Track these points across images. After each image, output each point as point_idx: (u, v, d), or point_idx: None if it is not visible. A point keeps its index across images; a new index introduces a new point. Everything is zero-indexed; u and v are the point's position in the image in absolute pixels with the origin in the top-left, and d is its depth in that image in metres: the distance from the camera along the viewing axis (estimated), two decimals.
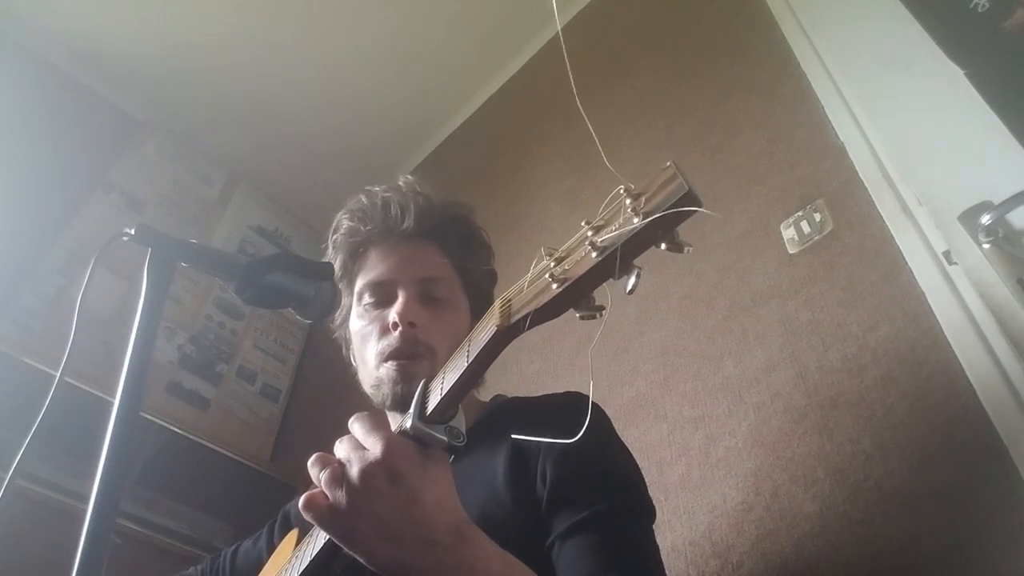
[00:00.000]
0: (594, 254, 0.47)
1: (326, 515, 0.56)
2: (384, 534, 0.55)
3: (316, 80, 2.58)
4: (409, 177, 1.05)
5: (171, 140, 2.64)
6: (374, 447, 0.57)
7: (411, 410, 0.61)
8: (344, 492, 0.55)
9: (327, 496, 0.56)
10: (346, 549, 0.58)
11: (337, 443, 0.60)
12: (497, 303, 0.56)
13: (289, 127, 2.72)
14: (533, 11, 2.38)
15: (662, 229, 0.44)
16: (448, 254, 1.00)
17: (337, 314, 1.05)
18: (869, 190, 1.22)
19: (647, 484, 0.89)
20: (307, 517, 0.58)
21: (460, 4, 2.39)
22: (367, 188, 1.03)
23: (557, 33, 2.40)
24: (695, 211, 0.42)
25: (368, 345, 0.94)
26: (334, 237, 1.03)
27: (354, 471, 0.56)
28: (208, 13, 2.35)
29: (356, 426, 0.60)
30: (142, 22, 2.37)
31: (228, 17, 2.36)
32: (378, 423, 0.60)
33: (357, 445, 0.58)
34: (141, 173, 2.48)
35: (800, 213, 1.31)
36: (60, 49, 2.42)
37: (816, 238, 1.26)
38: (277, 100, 2.64)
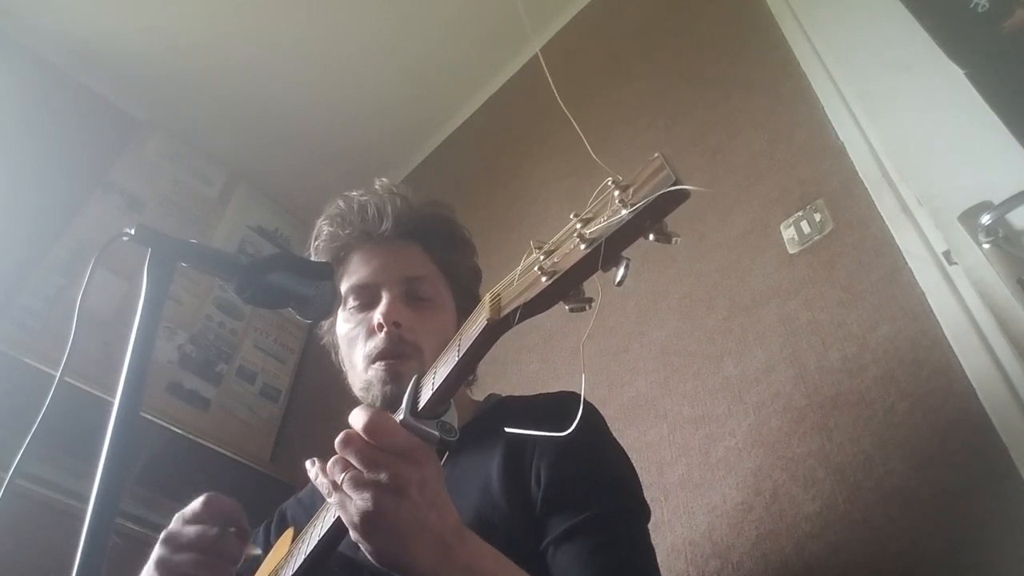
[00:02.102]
0: (582, 246, 0.47)
1: (353, 514, 0.58)
2: (400, 535, 0.58)
3: (316, 80, 2.58)
4: (385, 180, 1.06)
5: (171, 140, 2.64)
6: (405, 446, 0.58)
7: (403, 405, 0.61)
8: (372, 495, 0.57)
9: (351, 496, 0.58)
10: (360, 543, 0.59)
11: (345, 441, 0.60)
12: (487, 297, 0.56)
13: (289, 127, 2.72)
14: (533, 12, 2.38)
15: (650, 220, 0.44)
16: (430, 253, 1.01)
17: (324, 321, 1.06)
18: (869, 190, 1.22)
19: (644, 484, 0.89)
20: (332, 503, 0.60)
21: (460, 5, 2.39)
22: (343, 193, 1.04)
23: (561, 31, 2.40)
24: (682, 200, 0.42)
25: (355, 348, 0.94)
26: (316, 243, 1.04)
27: (386, 475, 0.57)
28: (208, 13, 2.34)
29: (377, 425, 0.59)
30: (142, 22, 2.37)
31: (228, 17, 2.36)
32: (395, 423, 0.60)
33: (391, 447, 0.58)
34: (141, 173, 2.48)
35: (800, 213, 1.31)
36: (60, 49, 2.42)
37: (816, 238, 1.26)
38: (277, 100, 2.63)
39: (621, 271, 0.47)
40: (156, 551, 0.81)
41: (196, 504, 0.83)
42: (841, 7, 1.45)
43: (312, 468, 0.63)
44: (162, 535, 0.82)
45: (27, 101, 2.31)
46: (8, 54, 2.32)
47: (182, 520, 0.82)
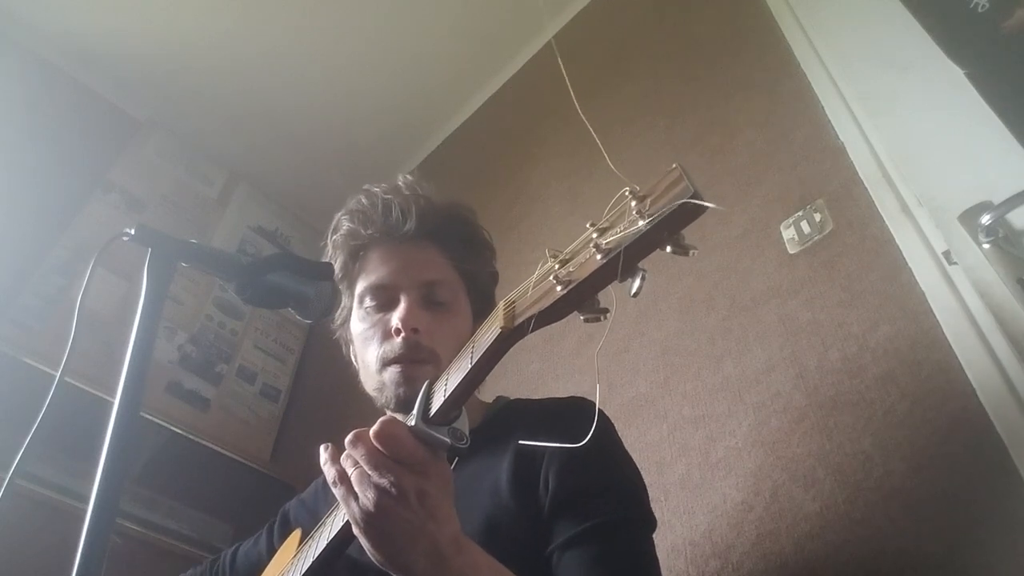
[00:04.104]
0: (599, 256, 0.46)
1: (355, 510, 0.60)
2: (398, 539, 0.59)
3: (317, 79, 2.58)
4: (409, 177, 1.03)
5: (171, 140, 2.64)
6: (411, 456, 0.59)
7: (414, 411, 0.61)
8: (375, 495, 0.58)
9: (355, 492, 0.60)
10: (359, 538, 0.61)
11: (355, 441, 0.60)
12: (501, 305, 0.56)
13: (289, 127, 2.72)
14: (534, 11, 2.38)
15: (668, 231, 0.44)
16: (450, 256, 0.99)
17: (337, 314, 1.05)
18: (869, 190, 1.22)
19: (648, 489, 0.89)
20: (336, 493, 0.61)
21: (461, 4, 2.39)
22: (367, 188, 1.01)
23: (561, 31, 2.40)
24: (701, 212, 0.42)
25: (369, 348, 0.93)
26: (334, 237, 1.01)
27: (387, 480, 0.58)
28: (208, 13, 2.34)
29: (387, 434, 0.60)
30: (142, 22, 2.37)
31: (228, 17, 2.36)
32: (405, 432, 0.60)
33: (397, 456, 0.59)
34: (141, 173, 2.48)
35: (800, 213, 1.31)
36: (60, 49, 2.42)
37: (816, 238, 1.26)
38: (277, 100, 2.63)
39: (637, 282, 0.46)
40: None
41: None
42: (841, 7, 1.45)
43: (324, 453, 0.64)
44: None
45: (27, 101, 2.31)
46: (8, 54, 2.32)
47: None
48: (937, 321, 1.03)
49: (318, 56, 2.50)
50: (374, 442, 0.59)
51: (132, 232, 0.73)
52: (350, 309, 1.00)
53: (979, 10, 1.14)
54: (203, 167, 2.70)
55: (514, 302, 0.55)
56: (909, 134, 1.20)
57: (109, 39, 2.42)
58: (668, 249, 0.45)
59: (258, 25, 2.39)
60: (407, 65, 2.55)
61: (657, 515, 0.86)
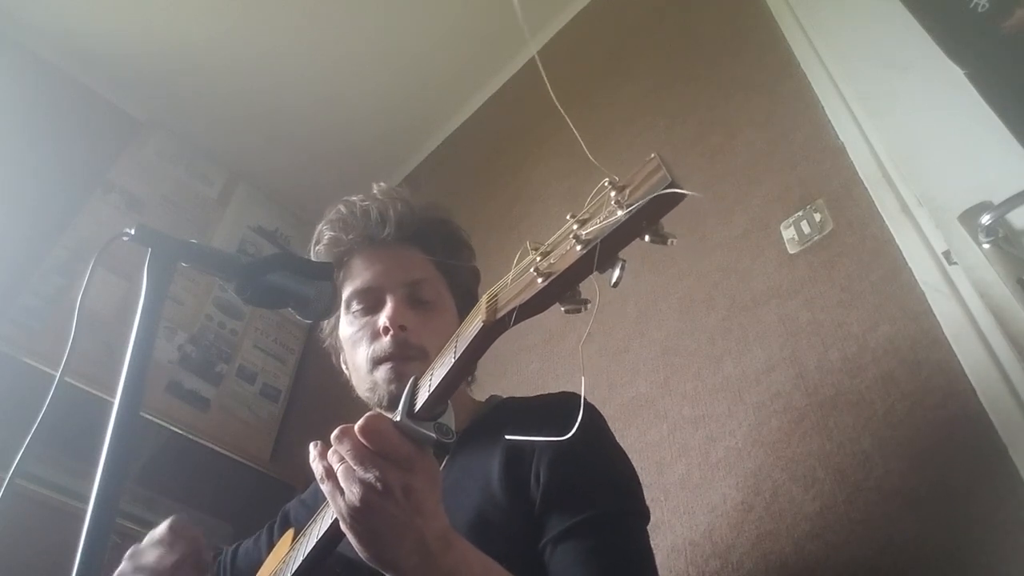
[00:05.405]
0: (578, 247, 0.46)
1: (341, 505, 0.60)
2: (384, 534, 0.59)
3: (317, 79, 2.58)
4: (383, 184, 1.06)
5: (171, 140, 2.64)
6: (396, 451, 0.59)
7: (399, 407, 0.61)
8: (360, 491, 0.58)
9: (342, 488, 0.60)
10: (347, 535, 0.61)
11: (340, 436, 0.60)
12: (484, 299, 0.56)
13: (289, 127, 2.72)
14: (532, 13, 2.38)
15: (646, 221, 0.43)
16: (430, 256, 1.02)
17: (325, 323, 1.06)
18: (869, 190, 1.22)
19: (644, 484, 0.89)
20: (324, 490, 0.61)
21: (461, 5, 2.39)
22: (344, 198, 1.04)
23: (561, 31, 2.40)
24: (677, 201, 0.42)
25: (359, 351, 0.95)
26: (316, 248, 1.04)
27: (372, 475, 0.58)
28: (208, 13, 2.34)
29: (372, 429, 0.60)
30: (142, 22, 2.37)
31: (228, 17, 2.36)
32: (390, 427, 0.60)
33: (381, 451, 0.59)
34: (141, 173, 2.48)
35: (800, 213, 1.31)
36: (60, 49, 2.42)
37: (816, 238, 1.26)
38: (277, 100, 2.63)
39: (617, 272, 0.46)
40: (122, 563, 0.87)
41: (162, 527, 0.88)
42: (841, 7, 1.45)
43: (314, 450, 0.65)
44: (129, 550, 0.87)
45: (27, 101, 2.31)
46: (8, 54, 2.32)
47: (149, 540, 0.87)
48: (937, 321, 1.03)
49: (318, 56, 2.50)
50: (359, 437, 0.59)
51: (132, 232, 0.73)
52: (338, 317, 1.02)
53: (979, 10, 1.14)
54: (203, 167, 2.70)
55: (496, 295, 0.55)
56: (909, 134, 1.20)
57: (109, 39, 2.42)
58: (647, 238, 0.44)
59: (258, 25, 2.39)
60: (407, 66, 2.55)
61: (657, 515, 0.86)
